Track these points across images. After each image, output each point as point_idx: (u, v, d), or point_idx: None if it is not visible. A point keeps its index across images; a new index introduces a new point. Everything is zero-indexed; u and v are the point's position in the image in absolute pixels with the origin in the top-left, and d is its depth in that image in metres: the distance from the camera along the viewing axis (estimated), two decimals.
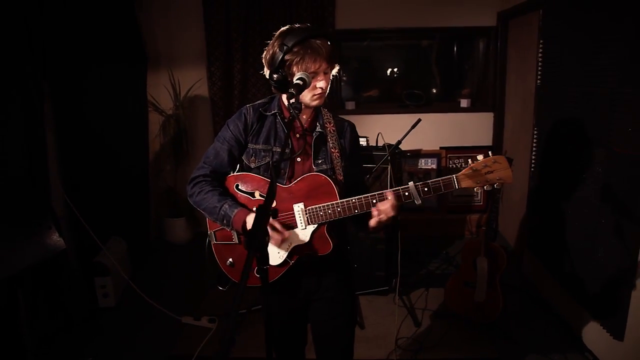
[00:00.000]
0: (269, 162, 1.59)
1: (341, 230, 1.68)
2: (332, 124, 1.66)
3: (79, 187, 3.22)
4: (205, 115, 4.58)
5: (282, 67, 1.49)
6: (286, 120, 1.60)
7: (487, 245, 2.87)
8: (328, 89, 1.55)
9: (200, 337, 2.89)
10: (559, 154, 2.95)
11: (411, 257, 4.00)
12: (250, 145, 1.62)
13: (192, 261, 4.04)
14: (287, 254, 1.56)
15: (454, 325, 3.00)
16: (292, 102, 1.39)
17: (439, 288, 3.41)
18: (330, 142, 1.63)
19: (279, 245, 1.53)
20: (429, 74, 4.89)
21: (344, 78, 4.81)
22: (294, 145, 1.61)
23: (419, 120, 3.24)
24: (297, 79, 1.43)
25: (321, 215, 1.52)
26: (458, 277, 3.01)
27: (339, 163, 1.62)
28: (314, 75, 1.50)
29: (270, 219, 1.45)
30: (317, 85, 1.51)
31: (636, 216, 2.18)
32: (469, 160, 1.47)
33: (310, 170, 1.60)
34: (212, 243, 1.67)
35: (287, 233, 1.50)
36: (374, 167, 3.14)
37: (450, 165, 4.56)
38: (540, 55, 3.19)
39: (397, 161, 3.37)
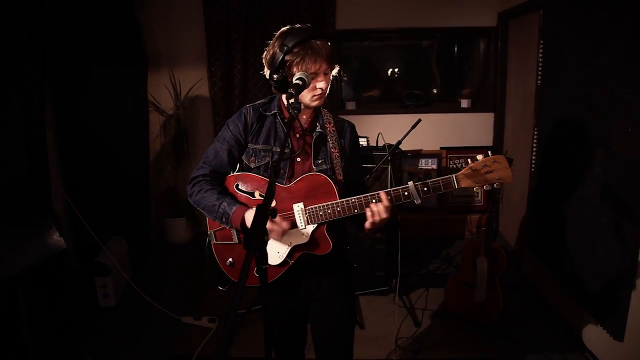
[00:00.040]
0: (268, 162, 1.59)
1: (341, 230, 1.68)
2: (332, 124, 1.66)
3: (80, 187, 3.23)
4: (205, 115, 4.58)
5: (282, 68, 1.49)
6: (286, 121, 1.60)
7: (487, 245, 2.87)
8: (328, 89, 1.56)
9: (201, 337, 2.89)
10: (559, 154, 2.95)
11: (411, 257, 4.00)
12: (250, 145, 1.62)
13: (193, 261, 4.04)
14: (286, 253, 1.56)
15: (454, 325, 3.00)
16: (292, 102, 1.39)
17: (439, 288, 3.41)
18: (330, 142, 1.63)
19: (280, 239, 1.53)
20: (429, 74, 4.89)
21: (345, 78, 4.81)
22: (294, 145, 1.61)
23: (419, 120, 3.24)
24: (296, 79, 1.43)
25: (321, 215, 1.52)
26: (458, 277, 3.01)
27: (339, 163, 1.62)
28: (314, 76, 1.50)
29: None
30: (317, 86, 1.52)
31: (636, 216, 2.17)
32: (469, 160, 1.48)
33: (310, 170, 1.60)
34: (212, 243, 1.67)
35: (285, 224, 1.49)
36: (374, 167, 3.14)
37: (451, 166, 4.56)
38: (540, 55, 3.19)
39: (398, 161, 3.37)
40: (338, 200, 1.51)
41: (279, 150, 1.58)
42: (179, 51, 4.47)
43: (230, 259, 1.64)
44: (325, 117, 1.67)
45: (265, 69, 1.58)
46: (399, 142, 3.22)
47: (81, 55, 3.27)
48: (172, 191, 4.58)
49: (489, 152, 1.47)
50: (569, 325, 2.89)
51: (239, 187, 1.61)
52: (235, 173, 1.66)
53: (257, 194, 1.59)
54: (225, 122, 1.67)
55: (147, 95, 4.28)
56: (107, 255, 3.26)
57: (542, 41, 3.17)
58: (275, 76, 1.50)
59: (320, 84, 1.52)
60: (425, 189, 1.47)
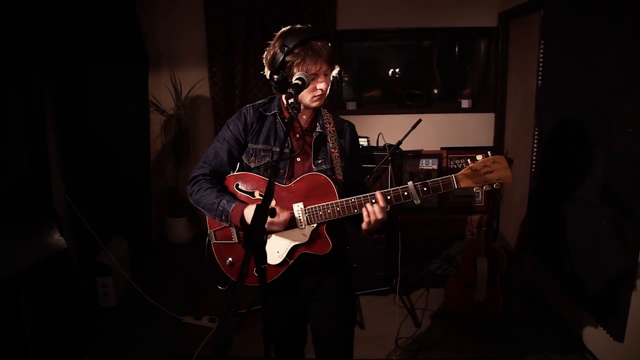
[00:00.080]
0: (268, 161, 1.60)
1: (341, 230, 1.69)
2: (332, 125, 1.66)
3: (81, 187, 3.23)
4: (206, 115, 4.59)
5: (282, 68, 1.49)
6: (286, 121, 1.61)
7: (488, 246, 2.87)
8: (328, 90, 1.56)
9: (201, 336, 2.90)
10: (560, 154, 2.95)
11: (411, 257, 4.00)
12: (250, 145, 1.63)
13: (193, 261, 4.05)
14: (286, 253, 1.57)
15: (454, 325, 3.01)
16: (291, 102, 1.40)
17: (439, 288, 3.41)
18: (330, 142, 1.63)
19: (282, 229, 1.53)
20: (430, 74, 4.89)
21: (345, 78, 4.81)
22: (294, 145, 1.62)
23: (420, 120, 3.24)
24: (295, 79, 1.43)
25: (320, 215, 1.52)
26: (458, 277, 3.01)
27: (339, 163, 1.62)
28: (315, 76, 1.50)
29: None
30: (317, 87, 1.52)
31: (636, 216, 2.17)
32: (469, 160, 1.48)
33: (310, 170, 1.60)
34: (212, 242, 1.68)
35: (285, 214, 1.50)
36: (374, 168, 3.14)
37: (451, 166, 4.56)
38: (541, 55, 3.19)
39: (398, 161, 3.37)
40: (338, 200, 1.51)
41: (278, 150, 1.59)
42: (179, 51, 4.48)
43: (230, 259, 1.64)
44: (325, 117, 1.67)
45: (266, 69, 1.58)
46: (400, 142, 3.22)
47: (82, 55, 3.28)
48: (173, 191, 4.59)
49: (489, 153, 1.48)
50: (569, 325, 2.89)
51: (239, 186, 1.62)
52: (235, 173, 1.67)
53: (257, 193, 1.59)
54: (226, 122, 1.68)
55: (147, 95, 4.28)
56: (108, 255, 3.27)
57: (542, 41, 3.17)
58: (275, 77, 1.51)
59: (321, 85, 1.52)
60: (425, 189, 1.48)
